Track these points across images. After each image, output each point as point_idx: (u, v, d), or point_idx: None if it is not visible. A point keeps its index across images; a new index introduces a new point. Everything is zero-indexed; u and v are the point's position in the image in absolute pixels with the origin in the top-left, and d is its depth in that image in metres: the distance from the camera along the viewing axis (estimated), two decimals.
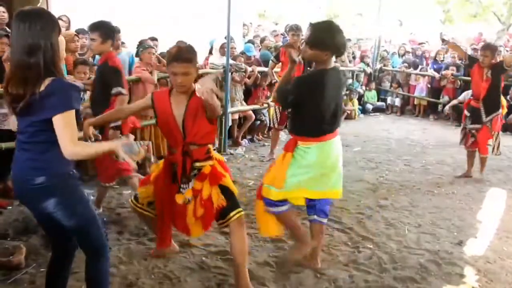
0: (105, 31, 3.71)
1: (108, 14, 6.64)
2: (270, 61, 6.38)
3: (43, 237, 3.50)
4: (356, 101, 10.36)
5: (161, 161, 3.07)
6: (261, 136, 7.77)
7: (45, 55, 2.03)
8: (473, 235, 4.05)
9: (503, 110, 5.75)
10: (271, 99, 6.66)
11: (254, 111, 7.28)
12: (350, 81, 10.38)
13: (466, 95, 8.91)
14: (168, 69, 2.75)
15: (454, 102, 9.34)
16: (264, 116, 7.46)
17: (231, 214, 2.85)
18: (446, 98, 10.00)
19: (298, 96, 2.98)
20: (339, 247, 3.69)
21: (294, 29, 5.92)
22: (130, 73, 5.73)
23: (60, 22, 3.70)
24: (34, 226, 3.74)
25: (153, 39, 6.75)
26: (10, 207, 4.22)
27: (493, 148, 5.65)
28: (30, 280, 3.00)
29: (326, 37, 2.97)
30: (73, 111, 2.04)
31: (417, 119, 10.55)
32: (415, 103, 10.95)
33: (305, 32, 3.42)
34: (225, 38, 6.52)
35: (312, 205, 3.28)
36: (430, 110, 10.64)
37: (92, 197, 4.22)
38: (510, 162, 6.73)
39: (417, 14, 18.99)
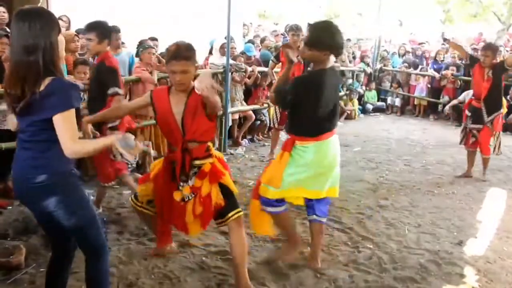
0: (102, 31, 3.71)
1: (108, 14, 6.64)
2: (270, 61, 6.37)
3: (43, 237, 3.50)
4: (356, 101, 10.36)
5: (161, 159, 3.07)
6: (261, 136, 7.77)
7: (44, 55, 2.03)
8: (473, 235, 4.05)
9: (504, 110, 5.76)
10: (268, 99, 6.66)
11: (254, 111, 7.28)
12: (350, 81, 10.39)
13: (466, 95, 8.90)
14: (167, 67, 2.75)
15: (454, 102, 9.33)
16: (264, 116, 7.47)
17: (230, 214, 2.85)
18: (446, 98, 10.00)
19: (297, 96, 2.99)
20: (339, 247, 3.69)
21: (294, 29, 5.92)
22: (130, 73, 5.73)
23: (60, 22, 3.70)
24: (34, 226, 3.73)
25: (153, 39, 6.75)
26: (10, 207, 4.22)
27: (494, 148, 5.65)
28: (30, 280, 3.00)
29: (325, 37, 2.98)
30: (73, 110, 2.04)
31: (417, 119, 10.55)
32: (415, 103, 10.95)
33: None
34: (225, 38, 6.52)
35: (311, 205, 3.28)
36: (430, 110, 10.65)
37: (92, 197, 4.21)
38: (510, 162, 6.73)
39: (417, 14, 19.01)
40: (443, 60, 10.43)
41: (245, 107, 7.16)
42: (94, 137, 3.11)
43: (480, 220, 4.42)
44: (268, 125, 7.47)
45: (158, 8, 8.26)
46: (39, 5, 5.79)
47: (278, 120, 6.13)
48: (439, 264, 3.45)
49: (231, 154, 6.60)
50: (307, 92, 2.99)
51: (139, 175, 5.07)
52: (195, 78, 2.83)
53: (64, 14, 6.21)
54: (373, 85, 11.12)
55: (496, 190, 5.39)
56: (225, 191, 2.90)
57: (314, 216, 3.30)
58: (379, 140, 7.99)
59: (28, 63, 2.01)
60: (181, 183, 2.86)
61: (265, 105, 7.16)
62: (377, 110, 11.08)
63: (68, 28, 6.18)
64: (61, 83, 2.05)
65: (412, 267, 3.40)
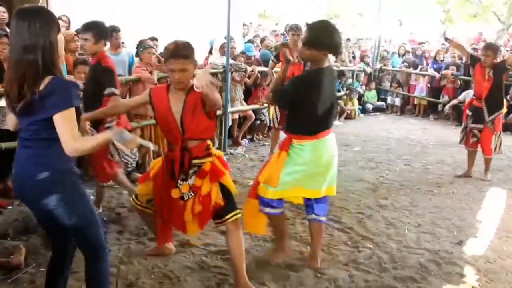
0: (98, 31, 3.71)
1: (108, 14, 6.66)
2: (270, 61, 6.37)
3: (43, 237, 3.50)
4: (356, 101, 10.36)
5: (161, 158, 3.08)
6: (261, 136, 7.77)
7: (44, 54, 2.03)
8: (473, 234, 4.05)
9: (504, 110, 5.76)
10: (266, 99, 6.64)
11: (254, 111, 7.28)
12: (350, 80, 10.39)
13: (466, 94, 8.93)
14: (166, 65, 2.75)
15: (454, 101, 9.36)
16: (264, 116, 7.46)
17: (228, 215, 2.87)
18: (446, 97, 10.00)
19: (295, 95, 3.00)
20: (339, 247, 3.69)
21: (294, 29, 5.91)
22: (130, 73, 5.73)
23: (60, 22, 3.70)
24: (34, 226, 3.74)
25: (153, 39, 6.75)
26: (10, 207, 4.22)
27: (495, 148, 5.65)
28: (30, 280, 3.00)
29: (323, 37, 3.00)
30: (73, 109, 2.04)
31: (417, 118, 10.55)
32: (415, 102, 10.95)
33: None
34: (225, 38, 6.53)
35: (311, 204, 3.30)
36: (430, 109, 10.65)
37: (92, 197, 4.21)
38: (510, 161, 6.73)
39: (417, 14, 18.99)
40: (443, 60, 10.43)
41: (245, 107, 7.16)
42: (92, 135, 3.11)
43: (480, 219, 4.42)
44: (268, 125, 7.46)
45: (158, 9, 8.27)
46: (39, 4, 5.79)
47: (278, 120, 6.13)
48: (439, 264, 3.46)
49: (231, 154, 6.60)
50: (306, 91, 3.01)
51: (139, 175, 5.09)
52: (193, 77, 2.83)
53: (64, 14, 6.21)
54: (373, 85, 11.12)
55: (496, 190, 5.39)
56: (224, 191, 2.90)
57: (313, 216, 3.30)
58: (379, 139, 7.99)
59: (27, 62, 2.01)
60: (180, 182, 2.86)
61: (265, 105, 7.15)
62: (377, 110, 11.08)
63: (68, 28, 6.18)
64: (61, 82, 2.05)
65: (412, 267, 3.40)
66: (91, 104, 3.67)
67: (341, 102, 10.00)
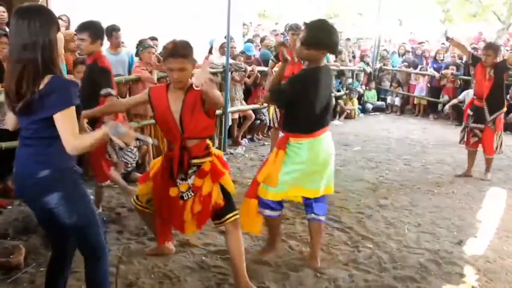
0: (94, 31, 3.71)
1: (108, 14, 6.65)
2: (270, 61, 6.35)
3: (43, 236, 3.50)
4: (356, 101, 10.35)
5: (160, 158, 3.08)
6: (261, 136, 7.77)
7: (43, 52, 2.02)
8: (473, 234, 4.05)
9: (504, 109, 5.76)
10: (262, 99, 6.65)
11: (254, 110, 7.28)
12: (350, 80, 10.39)
13: (466, 94, 8.95)
14: (165, 64, 2.76)
15: (454, 101, 9.37)
16: (264, 115, 7.46)
17: (227, 216, 2.87)
18: (446, 97, 10.01)
19: (293, 94, 3.01)
20: (339, 247, 3.69)
21: (294, 29, 5.91)
22: (129, 72, 5.72)
23: (60, 21, 3.69)
24: (34, 225, 3.74)
25: (153, 38, 6.74)
26: (10, 207, 4.22)
27: (496, 147, 5.66)
28: (30, 280, 3.00)
29: (322, 36, 3.02)
30: (73, 108, 2.04)
31: (417, 118, 10.55)
32: (415, 102, 10.96)
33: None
34: (225, 37, 6.52)
35: (310, 204, 3.31)
36: (430, 109, 10.65)
37: (91, 197, 4.21)
38: (510, 161, 6.74)
39: (417, 14, 18.99)
40: (442, 60, 10.43)
41: (245, 106, 7.16)
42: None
43: (480, 219, 4.42)
44: (267, 124, 7.46)
45: (158, 10, 8.26)
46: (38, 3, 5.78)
47: (278, 119, 6.12)
48: (439, 264, 3.46)
49: (231, 153, 6.60)
50: (304, 90, 3.02)
51: (139, 175, 5.09)
52: (192, 76, 2.83)
53: (64, 14, 6.21)
54: (373, 84, 11.12)
55: (496, 190, 5.39)
56: (224, 191, 2.91)
57: (313, 215, 3.31)
58: (379, 139, 7.99)
59: (27, 61, 2.00)
60: (179, 181, 2.86)
61: (265, 104, 7.15)
62: (377, 109, 11.08)
63: (67, 28, 6.18)
64: (61, 81, 2.05)
65: (412, 267, 3.40)
66: (87, 104, 3.66)
67: (341, 101, 10.01)
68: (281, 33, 10.30)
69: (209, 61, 6.81)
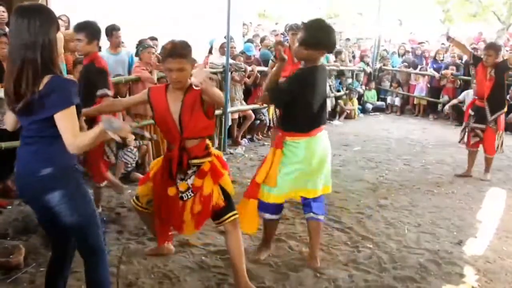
0: (91, 31, 3.71)
1: (108, 14, 6.65)
2: (270, 61, 6.36)
3: (43, 236, 3.50)
4: (356, 101, 10.36)
5: (160, 158, 3.08)
6: (260, 136, 7.77)
7: (43, 52, 2.02)
8: (473, 234, 4.05)
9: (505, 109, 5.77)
10: (259, 99, 6.65)
11: (253, 110, 7.28)
12: (349, 80, 10.39)
13: (465, 94, 8.96)
14: (163, 65, 2.76)
15: (454, 101, 9.38)
16: (264, 115, 7.46)
17: (226, 216, 2.88)
18: (445, 97, 10.01)
19: (292, 94, 3.01)
20: (339, 247, 3.69)
21: (294, 29, 5.91)
22: (129, 72, 5.72)
23: (60, 21, 3.70)
24: (34, 225, 3.74)
25: (153, 38, 6.74)
26: (10, 207, 4.22)
27: (497, 147, 5.67)
28: (29, 280, 3.00)
29: (322, 37, 3.03)
30: (74, 107, 2.04)
31: (417, 118, 10.55)
32: (415, 102, 10.96)
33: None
34: (225, 37, 6.52)
35: (308, 203, 3.31)
36: (430, 109, 10.65)
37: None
38: (510, 161, 6.74)
39: (417, 14, 19.00)
40: (442, 60, 10.43)
41: (245, 106, 7.16)
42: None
43: (480, 219, 4.42)
44: (267, 124, 7.46)
45: (158, 9, 8.26)
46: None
47: (278, 119, 6.13)
48: (439, 264, 3.46)
49: (231, 153, 6.60)
50: (302, 89, 3.04)
51: (139, 175, 5.10)
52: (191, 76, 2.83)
53: (64, 14, 6.21)
54: (372, 84, 11.12)
55: (496, 190, 5.39)
56: (223, 191, 2.91)
57: (311, 214, 3.32)
58: (379, 139, 7.99)
59: (26, 60, 2.00)
60: (179, 181, 2.86)
61: (265, 104, 7.15)
62: (376, 109, 11.08)
63: (67, 28, 6.18)
64: (60, 81, 2.05)
65: (412, 267, 3.40)
66: (83, 104, 3.68)
67: (341, 102, 10.01)
68: (281, 33, 10.31)
69: (207, 60, 6.82)
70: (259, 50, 8.50)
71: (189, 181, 2.85)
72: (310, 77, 3.07)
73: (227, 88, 6.49)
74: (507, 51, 10.15)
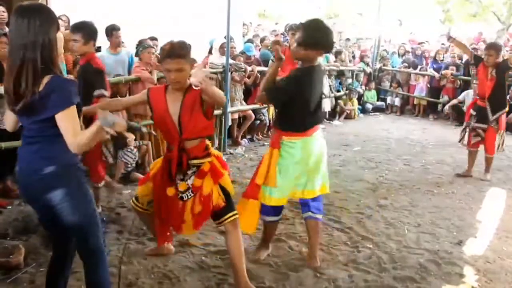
0: (88, 32, 3.71)
1: (108, 14, 6.65)
2: (270, 61, 6.37)
3: (42, 236, 3.50)
4: (355, 101, 10.36)
5: (160, 159, 3.08)
6: (260, 136, 7.77)
7: (43, 51, 2.02)
8: (473, 234, 4.05)
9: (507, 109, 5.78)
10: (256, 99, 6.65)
11: (253, 110, 7.27)
12: (349, 80, 10.39)
13: (465, 94, 8.96)
14: (162, 66, 2.76)
15: (454, 101, 9.38)
16: (264, 115, 7.46)
17: (226, 216, 2.88)
18: (445, 97, 10.02)
19: (291, 94, 3.02)
20: (339, 247, 3.69)
21: (294, 29, 5.91)
22: (129, 72, 5.73)
23: (60, 21, 3.70)
24: (34, 225, 3.74)
25: (153, 38, 6.75)
26: (10, 207, 4.22)
27: (498, 146, 5.68)
28: (29, 280, 3.00)
29: (320, 37, 3.05)
30: (74, 106, 2.04)
31: (417, 118, 10.55)
32: (415, 102, 10.96)
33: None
34: (225, 37, 6.52)
35: (306, 203, 3.33)
36: (430, 109, 10.65)
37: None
38: (510, 161, 6.74)
39: (417, 14, 19.01)
40: (442, 60, 10.44)
41: (245, 106, 7.16)
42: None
43: (480, 219, 4.42)
44: (267, 124, 7.47)
45: (158, 9, 8.26)
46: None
47: None
48: (439, 264, 3.46)
49: (231, 153, 6.60)
50: (301, 89, 3.05)
51: (139, 175, 5.10)
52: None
53: (64, 14, 6.21)
54: (372, 84, 11.12)
55: (496, 190, 5.39)
56: (223, 192, 2.91)
57: (310, 213, 3.33)
58: (379, 139, 7.99)
59: (26, 60, 2.00)
60: (178, 182, 2.86)
61: (265, 104, 7.15)
62: (376, 109, 11.08)
63: (67, 28, 6.17)
64: (60, 81, 2.05)
65: (412, 267, 3.40)
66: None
67: (341, 102, 10.02)
68: (281, 33, 10.31)
69: (206, 60, 6.82)
70: (259, 50, 8.50)
71: (189, 182, 2.85)
72: (308, 77, 3.08)
73: (227, 88, 6.48)
74: (507, 51, 10.16)
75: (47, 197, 2.12)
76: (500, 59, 5.49)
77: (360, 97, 10.76)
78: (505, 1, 16.82)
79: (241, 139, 7.26)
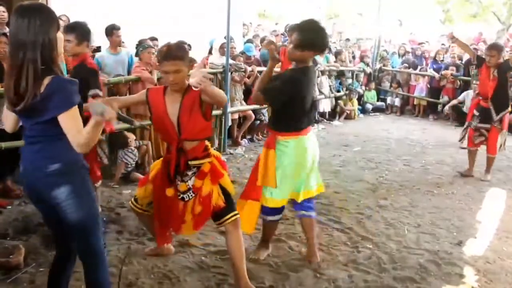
0: (81, 32, 3.71)
1: (108, 14, 6.65)
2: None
3: (43, 236, 3.50)
4: (355, 101, 10.35)
5: (161, 160, 3.08)
6: (260, 136, 7.76)
7: (43, 51, 2.02)
8: (473, 235, 4.05)
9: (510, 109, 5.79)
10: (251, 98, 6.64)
11: (253, 110, 7.27)
12: (349, 81, 10.39)
13: (465, 95, 8.96)
14: (160, 68, 2.76)
15: (454, 102, 9.38)
16: (264, 115, 7.46)
17: (227, 216, 2.88)
18: (445, 98, 10.01)
19: (289, 94, 3.03)
20: (339, 247, 3.69)
21: (290, 30, 5.91)
22: (129, 73, 5.73)
23: (60, 21, 3.69)
24: (34, 225, 3.74)
25: (153, 39, 6.75)
26: (10, 207, 4.22)
27: (500, 146, 5.69)
28: (29, 280, 3.00)
29: (316, 38, 3.07)
30: (76, 106, 2.04)
31: (417, 119, 10.54)
32: (415, 103, 10.95)
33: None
34: (225, 38, 6.52)
35: (298, 202, 3.33)
36: (430, 110, 10.64)
37: None
38: (510, 162, 6.74)
39: (417, 14, 19.02)
40: (442, 60, 10.43)
41: (245, 107, 7.15)
42: None
43: (480, 220, 4.42)
44: None
45: (158, 9, 8.27)
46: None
47: None
48: (439, 264, 3.46)
49: (231, 154, 6.60)
50: (298, 89, 3.06)
51: (139, 175, 5.10)
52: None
53: (64, 14, 6.21)
54: (372, 85, 11.12)
55: (496, 190, 5.40)
56: (223, 192, 2.91)
57: (303, 212, 3.36)
58: (379, 140, 7.99)
59: (27, 60, 2.00)
60: (178, 182, 2.86)
61: (265, 104, 7.15)
62: (376, 110, 11.07)
63: None
64: (61, 82, 2.04)
65: (412, 267, 3.40)
66: None
67: (341, 102, 10.01)
68: (281, 34, 10.30)
69: (206, 61, 6.81)
70: (259, 50, 8.50)
71: (190, 182, 2.85)
72: (304, 77, 3.10)
73: (227, 88, 6.48)
74: (507, 51, 10.16)
75: (53, 194, 2.11)
76: (501, 60, 5.50)
77: (360, 98, 10.75)
78: (505, 2, 16.83)
79: (241, 139, 7.26)
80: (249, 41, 8.74)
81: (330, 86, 9.41)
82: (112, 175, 5.08)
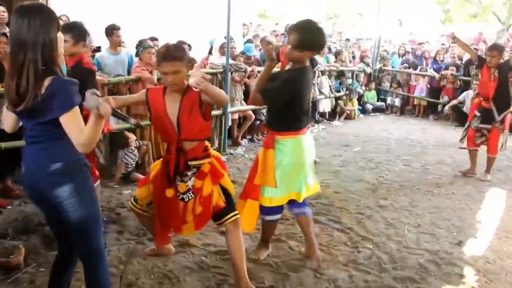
0: (78, 32, 3.71)
1: (108, 14, 6.65)
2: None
3: (43, 236, 3.50)
4: (356, 101, 10.35)
5: (161, 160, 3.08)
6: (260, 136, 7.75)
7: (43, 51, 2.02)
8: (473, 235, 4.05)
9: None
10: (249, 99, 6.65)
11: (254, 111, 7.27)
12: (349, 81, 10.40)
13: (465, 95, 8.96)
14: (159, 69, 2.77)
15: (454, 102, 9.38)
16: (264, 116, 7.45)
17: (227, 216, 2.88)
18: (446, 98, 10.01)
19: (289, 94, 3.04)
20: (339, 247, 3.69)
21: (287, 31, 5.91)
22: (129, 73, 5.73)
23: (60, 21, 3.69)
24: (34, 225, 3.74)
25: (153, 39, 6.75)
26: (10, 207, 4.22)
27: (501, 146, 5.70)
28: (29, 280, 3.00)
29: (314, 38, 3.08)
30: (77, 107, 2.04)
31: (417, 119, 10.55)
32: (415, 103, 10.95)
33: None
34: (225, 38, 6.52)
35: (292, 200, 3.33)
36: (430, 110, 10.65)
37: None
38: (509, 162, 6.74)
39: (417, 14, 19.03)
40: (442, 60, 10.43)
41: (245, 107, 7.15)
42: None
43: (480, 220, 4.42)
44: None
45: (158, 9, 8.27)
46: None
47: None
48: (439, 264, 3.46)
49: (231, 154, 6.60)
50: (297, 89, 3.07)
51: (139, 175, 5.10)
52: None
53: (64, 14, 6.20)
54: (372, 85, 11.12)
55: (496, 190, 5.39)
56: (224, 192, 2.91)
57: (295, 210, 3.37)
58: (379, 140, 7.99)
59: (27, 60, 1.99)
60: (178, 183, 2.86)
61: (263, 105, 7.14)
62: (376, 110, 11.08)
63: None
64: (62, 82, 2.04)
65: (412, 267, 3.40)
66: None
67: (341, 102, 10.02)
68: (281, 34, 10.30)
69: (206, 61, 6.81)
70: (259, 50, 8.50)
71: (189, 183, 2.85)
72: (303, 78, 3.11)
73: (227, 89, 6.48)
74: (507, 52, 10.16)
75: (55, 193, 2.11)
76: (502, 60, 5.50)
77: (360, 98, 10.76)
78: (505, 2, 16.83)
79: (241, 139, 7.26)
80: (249, 41, 8.74)
81: (330, 86, 9.41)
82: (112, 175, 5.08)
